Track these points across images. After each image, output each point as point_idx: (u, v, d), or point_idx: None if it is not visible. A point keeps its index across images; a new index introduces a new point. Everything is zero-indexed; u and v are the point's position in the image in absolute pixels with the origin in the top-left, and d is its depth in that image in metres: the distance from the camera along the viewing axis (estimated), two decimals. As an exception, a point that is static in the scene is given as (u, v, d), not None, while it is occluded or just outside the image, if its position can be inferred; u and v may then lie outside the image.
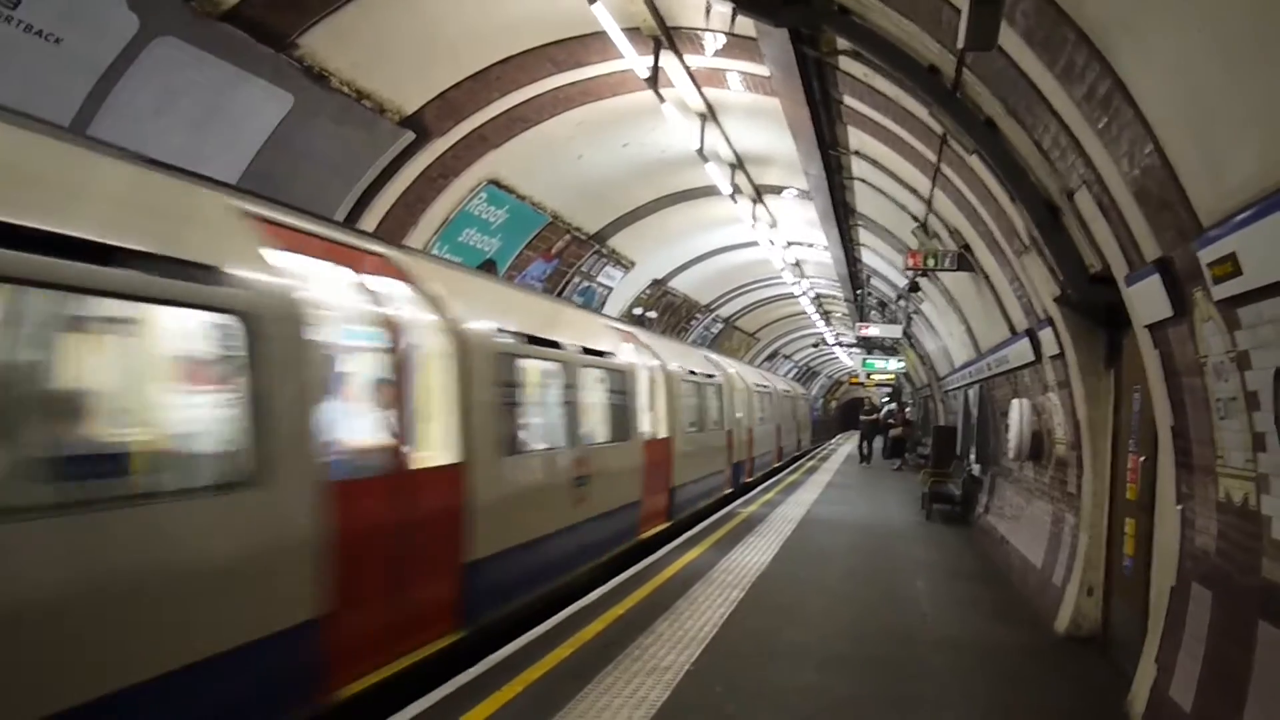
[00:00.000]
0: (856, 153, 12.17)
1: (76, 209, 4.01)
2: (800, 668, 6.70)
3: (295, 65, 8.99)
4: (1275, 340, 3.89)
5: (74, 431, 4.07)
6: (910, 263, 12.01)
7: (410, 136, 11.11)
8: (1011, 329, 10.79)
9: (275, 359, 4.81)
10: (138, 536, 3.94)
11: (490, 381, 7.40)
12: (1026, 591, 9.67)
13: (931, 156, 9.06)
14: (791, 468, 27.39)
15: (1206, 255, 4.19)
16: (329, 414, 5.38)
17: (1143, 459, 6.85)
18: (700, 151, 12.43)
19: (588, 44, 10.78)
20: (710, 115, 12.32)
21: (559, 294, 17.14)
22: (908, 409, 35.51)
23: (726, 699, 5.91)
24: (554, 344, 9.25)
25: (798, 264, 23.45)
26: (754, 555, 11.09)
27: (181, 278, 4.28)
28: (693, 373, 15.74)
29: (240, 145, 9.36)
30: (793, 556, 11.23)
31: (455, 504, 6.73)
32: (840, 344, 38.64)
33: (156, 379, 4.57)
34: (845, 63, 8.72)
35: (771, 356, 43.34)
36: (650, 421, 12.78)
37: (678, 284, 23.75)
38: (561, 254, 16.84)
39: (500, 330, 7.94)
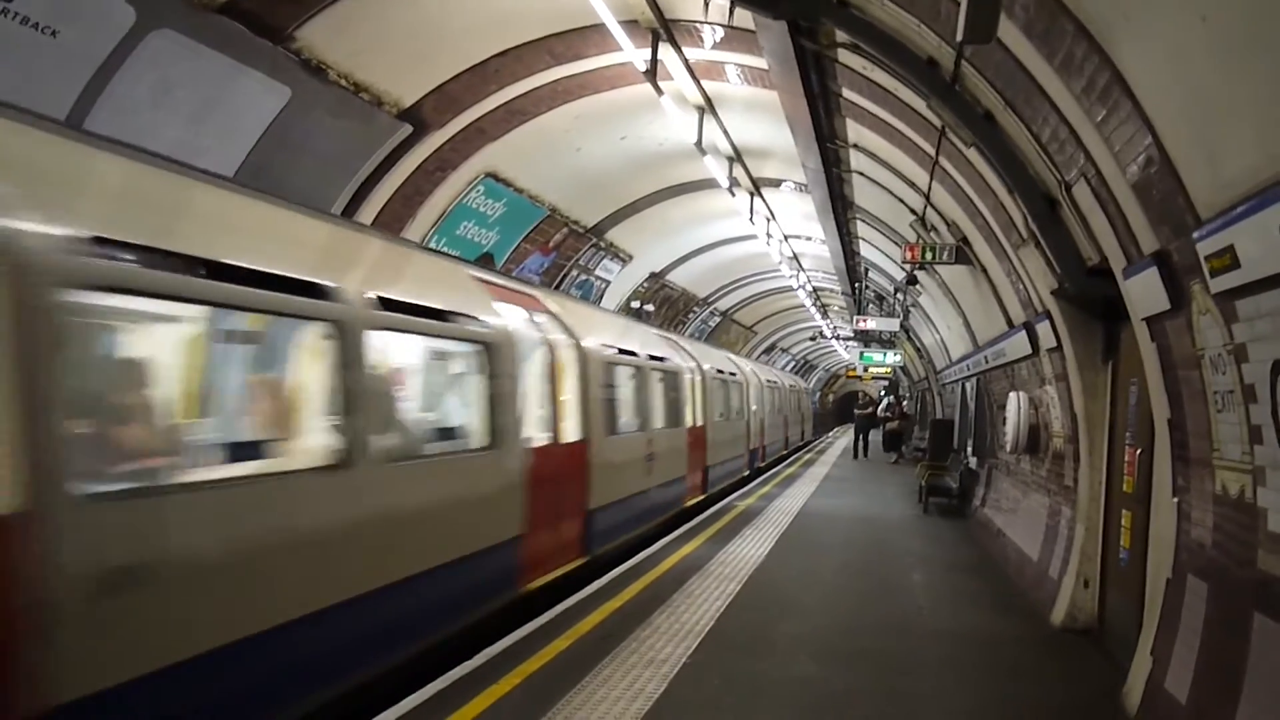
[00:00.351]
0: (855, 146, 12.16)
1: (439, 294, 7.00)
2: (797, 660, 6.72)
3: (292, 58, 8.96)
4: (1273, 333, 3.90)
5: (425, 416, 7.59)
6: (908, 256, 12.02)
7: (408, 129, 11.08)
8: (1009, 322, 10.79)
9: (500, 372, 7.40)
10: (457, 472, 6.85)
11: (599, 382, 10.01)
12: (1023, 584, 9.69)
13: (930, 149, 9.05)
14: (789, 460, 27.42)
15: (1205, 248, 4.19)
16: (523, 404, 7.88)
17: (1139, 452, 6.86)
18: (699, 144, 12.41)
19: (586, 36, 10.76)
20: (708, 108, 12.30)
21: (556, 287, 17.12)
22: (904, 402, 35.49)
23: (724, 691, 5.93)
24: (632, 353, 11.86)
25: (795, 257, 23.43)
26: (751, 548, 11.10)
27: (471, 325, 7.18)
28: (720, 371, 18.62)
29: (238, 138, 9.33)
30: (789, 549, 11.25)
31: (583, 467, 9.36)
32: (838, 337, 38.61)
33: (452, 386, 8.01)
34: (844, 55, 8.70)
35: (769, 350, 43.33)
36: (690, 413, 15.07)
37: (675, 277, 23.74)
38: (559, 247, 16.82)
39: (603, 344, 10.57)
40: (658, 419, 12.91)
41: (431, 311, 6.64)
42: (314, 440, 5.44)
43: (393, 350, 6.53)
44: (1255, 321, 4.03)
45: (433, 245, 12.74)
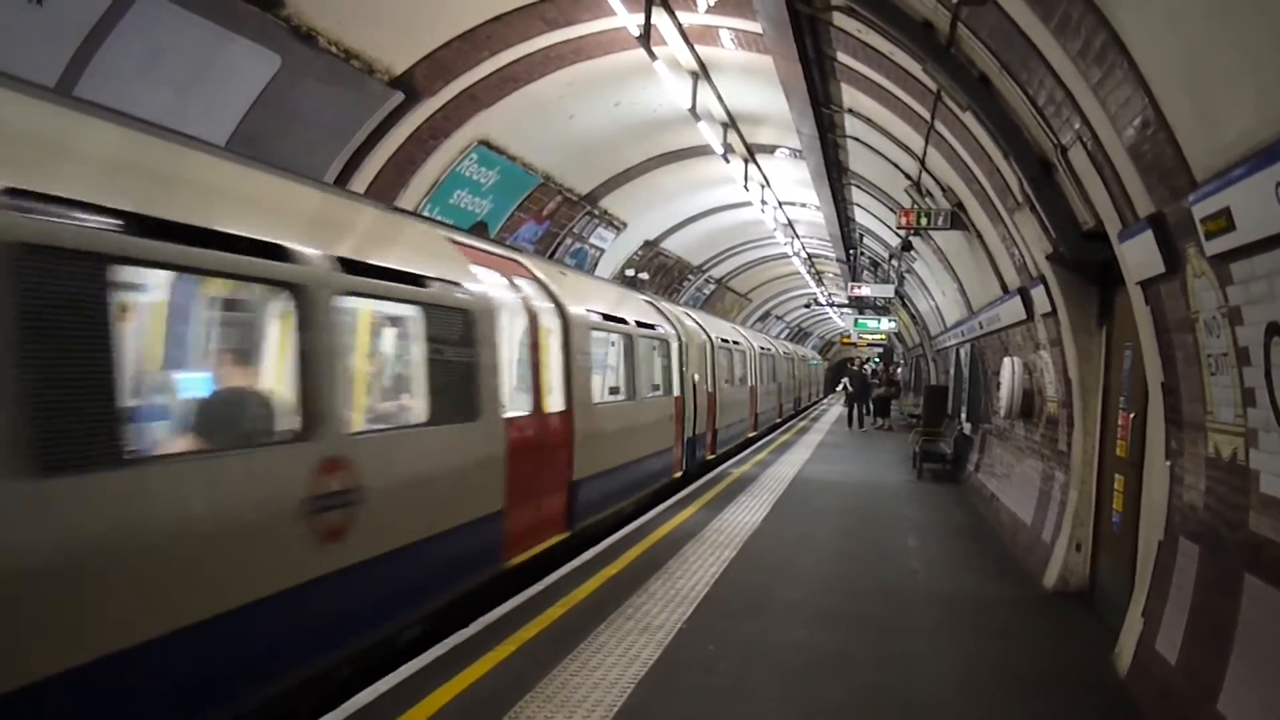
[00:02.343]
0: (850, 111, 12.07)
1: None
2: (792, 625, 6.77)
3: (281, 24, 8.85)
4: (1267, 295, 3.89)
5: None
6: (903, 221, 11.97)
7: (400, 97, 10.98)
8: (1004, 287, 10.79)
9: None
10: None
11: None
12: (1016, 548, 9.76)
13: (925, 114, 8.99)
14: (783, 428, 27.51)
15: (1200, 210, 4.18)
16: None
17: (1133, 416, 6.88)
18: (692, 110, 12.31)
19: (579, 0, 10.64)
20: (703, 73, 12.19)
21: (550, 255, 17.06)
22: (899, 369, 35.53)
23: (718, 656, 5.97)
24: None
25: (790, 224, 23.35)
26: (745, 515, 11.16)
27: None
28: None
29: (228, 106, 9.23)
30: (784, 516, 11.30)
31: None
32: (832, 304, 38.61)
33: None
34: (839, 18, 8.61)
35: (764, 317, 43.31)
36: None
37: (670, 245, 23.66)
38: (553, 215, 16.74)
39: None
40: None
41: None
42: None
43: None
44: (1250, 284, 4.03)
45: (426, 214, 12.66)
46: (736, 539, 9.63)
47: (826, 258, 28.89)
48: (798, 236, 25.22)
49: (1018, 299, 9.77)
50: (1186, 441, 5.22)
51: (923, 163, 10.77)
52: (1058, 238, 7.19)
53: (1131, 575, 6.30)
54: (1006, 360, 10.89)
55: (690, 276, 27.51)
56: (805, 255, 28.04)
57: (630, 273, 22.23)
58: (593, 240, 19.16)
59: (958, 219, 11.19)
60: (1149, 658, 5.42)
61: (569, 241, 18.13)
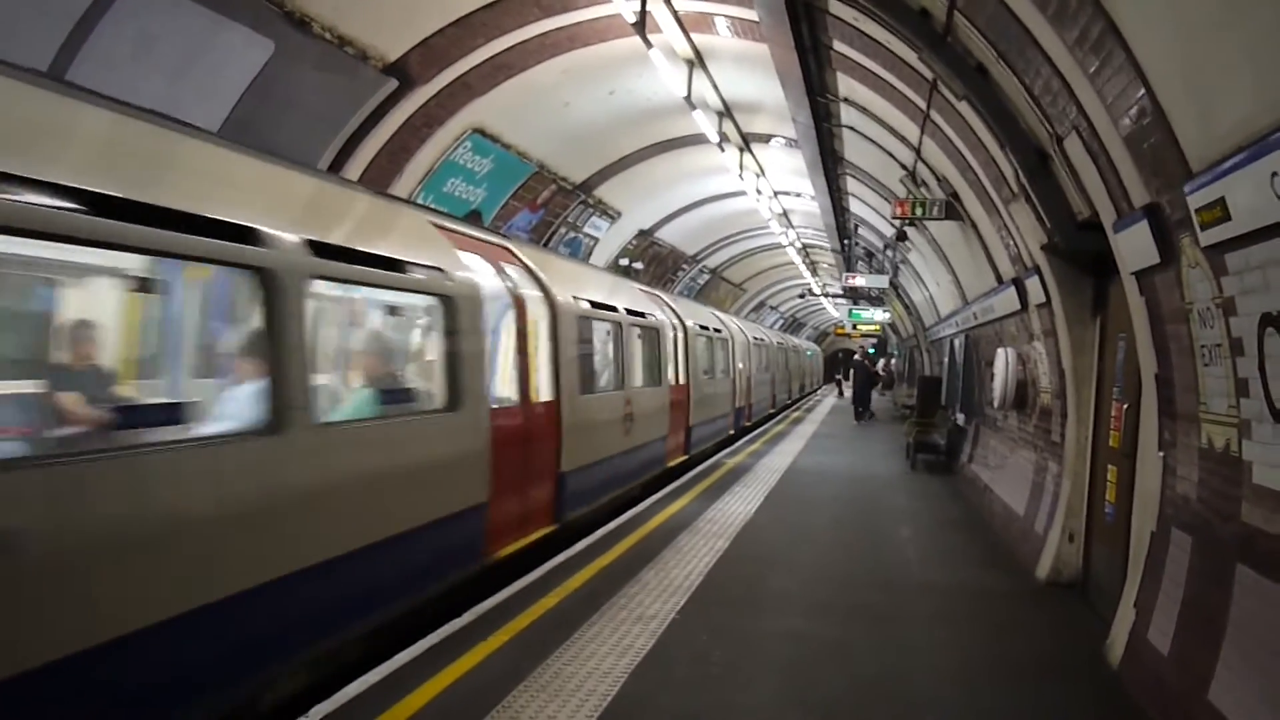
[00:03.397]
0: (846, 100, 12.04)
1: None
2: (785, 614, 6.77)
3: (275, 10, 8.79)
4: (1261, 286, 3.89)
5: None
6: (898, 211, 11.95)
7: (393, 84, 10.92)
8: (998, 278, 10.78)
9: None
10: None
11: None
12: (1009, 539, 9.78)
13: (921, 103, 8.97)
14: (777, 419, 27.53)
15: (1195, 200, 4.17)
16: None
17: (1126, 407, 6.89)
18: (688, 99, 12.27)
19: (574, -14, 10.61)
20: (698, 61, 12.15)
21: (545, 244, 17.02)
22: (892, 360, 35.48)
23: (712, 645, 5.97)
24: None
25: (785, 214, 23.33)
26: (740, 505, 11.16)
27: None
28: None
29: (220, 93, 9.17)
30: (778, 506, 11.31)
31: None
32: (826, 294, 38.61)
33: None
34: (835, 6, 8.58)
35: (758, 308, 43.30)
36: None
37: (664, 234, 23.61)
38: (547, 204, 16.70)
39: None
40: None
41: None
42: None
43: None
44: (1244, 274, 4.02)
45: (420, 202, 12.61)
46: (730, 529, 9.63)
47: (821, 248, 28.86)
48: (792, 226, 25.19)
49: (1012, 289, 9.76)
50: (1180, 432, 5.22)
51: (918, 152, 10.75)
52: (1053, 228, 7.18)
53: (1124, 566, 6.31)
54: (1000, 351, 10.89)
55: (685, 266, 27.47)
56: (800, 245, 28.01)
57: (625, 262, 22.20)
58: (587, 229, 19.12)
59: (953, 209, 11.18)
60: (1141, 647, 5.43)
61: (563, 230, 18.08)
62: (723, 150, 14.89)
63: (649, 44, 9.88)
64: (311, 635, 5.21)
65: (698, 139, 15.68)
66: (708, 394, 17.69)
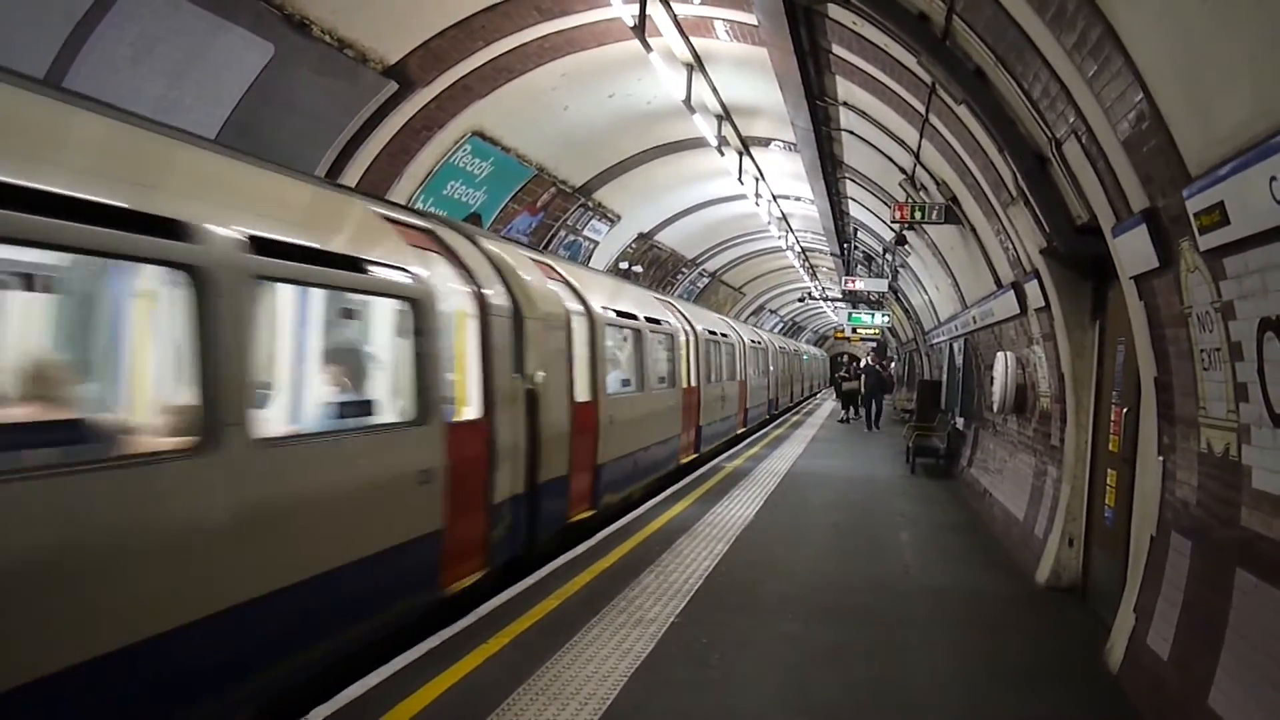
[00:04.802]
0: (845, 104, 12.05)
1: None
2: (785, 619, 6.77)
3: (275, 13, 8.80)
4: (1260, 290, 3.89)
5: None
6: (897, 215, 11.96)
7: (393, 87, 10.93)
8: (997, 282, 10.79)
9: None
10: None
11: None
12: (1008, 543, 9.77)
13: (920, 107, 8.98)
14: (776, 422, 27.53)
15: (1194, 205, 4.17)
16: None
17: (1126, 411, 6.89)
18: (687, 102, 12.28)
19: (573, -10, 10.63)
20: (697, 65, 12.16)
21: (545, 247, 17.02)
22: (891, 364, 35.42)
23: (711, 649, 5.97)
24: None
25: (784, 217, 23.34)
26: (739, 509, 11.16)
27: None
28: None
29: (220, 96, 9.18)
30: (777, 510, 11.31)
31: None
32: (826, 298, 38.64)
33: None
34: (834, 10, 8.59)
35: (757, 311, 43.33)
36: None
37: (664, 238, 23.63)
38: (547, 207, 16.71)
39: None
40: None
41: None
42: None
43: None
44: (1243, 279, 4.02)
45: (420, 205, 12.62)
46: (730, 533, 9.63)
47: (821, 252, 28.88)
48: (792, 230, 25.20)
49: (1011, 293, 9.77)
50: (1179, 437, 5.22)
51: (917, 156, 10.76)
52: (1051, 232, 7.18)
53: (1124, 570, 6.31)
54: (1000, 355, 10.90)
55: (684, 270, 27.48)
56: (799, 249, 28.03)
57: (624, 265, 22.20)
58: (586, 232, 19.13)
59: (951, 213, 11.19)
60: (1141, 652, 5.43)
61: (563, 234, 18.09)
62: (722, 154, 14.90)
63: (648, 47, 9.89)
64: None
65: (697, 142, 15.69)
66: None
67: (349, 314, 6.49)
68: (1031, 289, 8.73)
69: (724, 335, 19.88)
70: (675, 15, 10.32)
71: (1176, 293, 4.88)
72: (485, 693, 5.05)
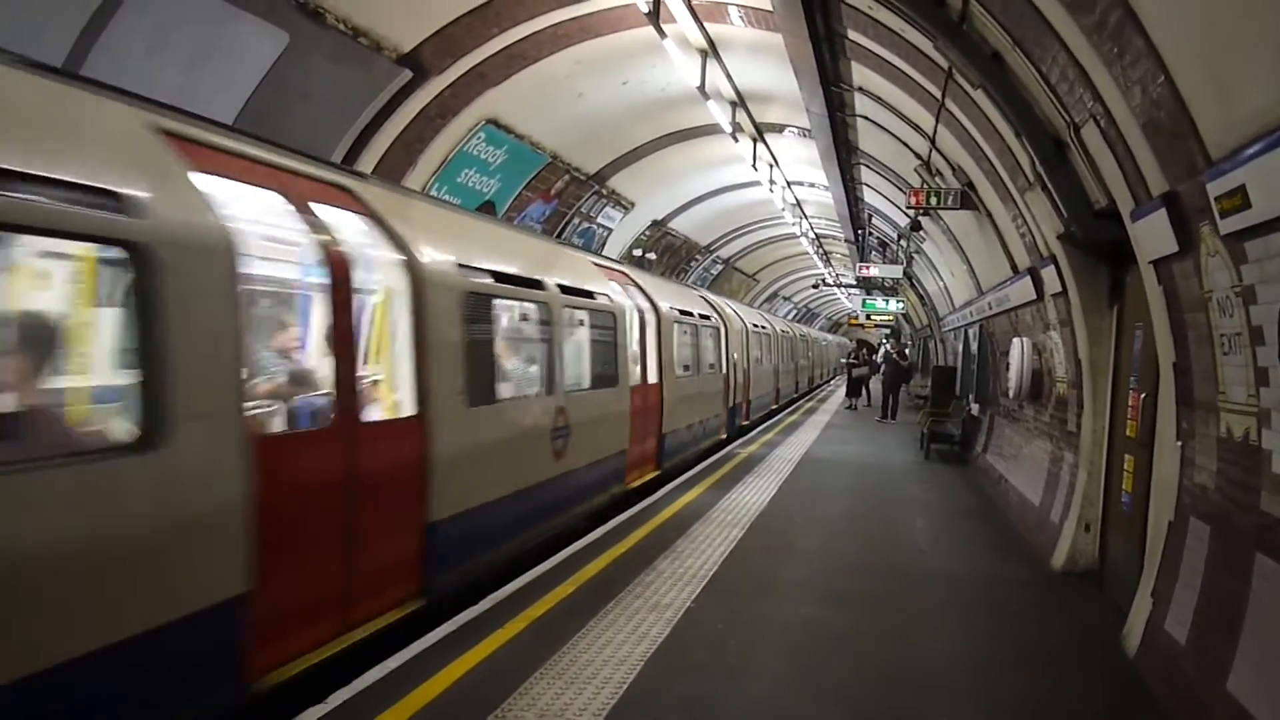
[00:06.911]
0: (859, 89, 11.99)
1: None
2: (800, 603, 6.78)
3: (289, 1, 8.82)
4: (1282, 274, 3.87)
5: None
6: (912, 201, 11.91)
7: (408, 75, 10.94)
8: (1014, 267, 10.74)
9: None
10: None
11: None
12: (1024, 529, 9.76)
13: (936, 92, 8.93)
14: (790, 409, 27.52)
15: (1215, 188, 4.15)
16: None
17: (1143, 396, 6.86)
18: (701, 89, 12.25)
19: (587, -24, 10.59)
20: (711, 51, 12.12)
21: (558, 235, 17.04)
22: (906, 349, 35.32)
23: (727, 635, 5.99)
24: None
25: (798, 204, 23.27)
26: (753, 495, 11.17)
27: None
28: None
29: (236, 84, 9.21)
30: (791, 496, 11.31)
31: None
32: (840, 285, 38.53)
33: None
34: (849, -5, 8.56)
35: (771, 298, 43.24)
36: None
37: (678, 225, 23.60)
38: (561, 195, 16.70)
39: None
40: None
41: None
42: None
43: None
44: (1264, 263, 4.00)
45: (434, 193, 12.64)
46: (744, 519, 9.64)
47: (835, 238, 28.79)
48: (806, 217, 25.13)
49: (1028, 279, 9.72)
50: (1198, 422, 5.20)
51: (933, 142, 10.71)
52: (1069, 217, 7.14)
53: (1141, 556, 6.30)
54: (1016, 341, 10.86)
55: (698, 257, 27.44)
56: (813, 235, 27.94)
57: (638, 253, 22.19)
58: (600, 220, 19.12)
59: (968, 198, 11.13)
60: (1158, 637, 5.42)
61: (577, 221, 18.09)
62: (736, 140, 14.87)
63: (662, 34, 9.87)
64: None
65: (711, 129, 15.66)
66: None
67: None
68: (1048, 274, 8.69)
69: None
70: (689, 1, 10.29)
71: (1196, 277, 4.85)
72: (503, 676, 5.08)
